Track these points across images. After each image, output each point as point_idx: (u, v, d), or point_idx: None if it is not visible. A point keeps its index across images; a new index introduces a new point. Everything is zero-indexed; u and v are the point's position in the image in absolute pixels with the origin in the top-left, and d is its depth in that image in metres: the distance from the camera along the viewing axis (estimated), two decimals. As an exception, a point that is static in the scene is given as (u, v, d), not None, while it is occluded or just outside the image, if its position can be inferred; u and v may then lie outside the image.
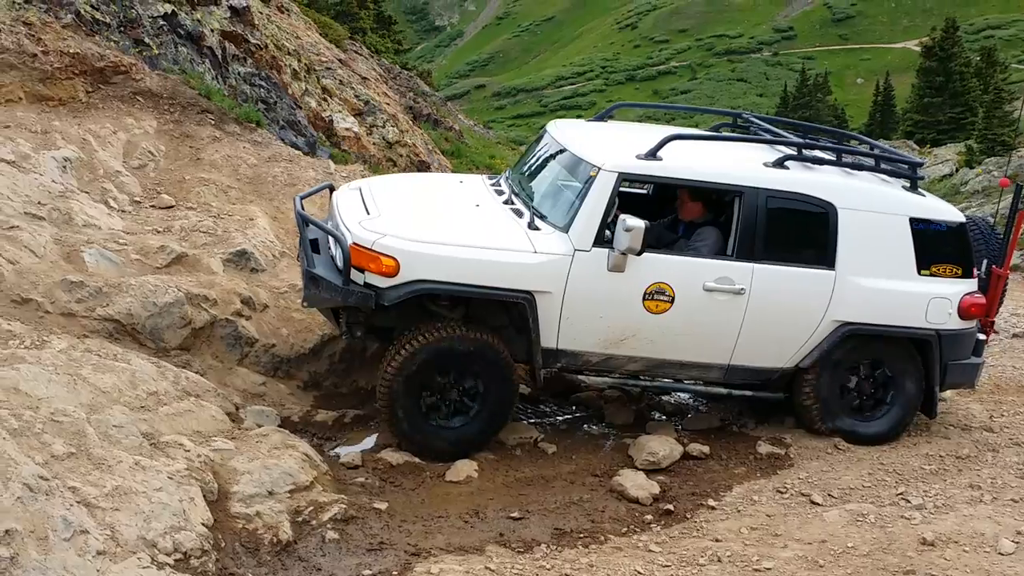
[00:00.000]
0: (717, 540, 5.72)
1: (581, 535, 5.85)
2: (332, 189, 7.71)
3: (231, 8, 13.34)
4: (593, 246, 6.41)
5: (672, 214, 7.57)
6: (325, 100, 16.65)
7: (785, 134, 7.74)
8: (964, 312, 7.05)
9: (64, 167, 8.63)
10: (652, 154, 6.64)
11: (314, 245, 6.86)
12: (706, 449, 7.04)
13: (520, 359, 6.74)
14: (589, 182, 6.54)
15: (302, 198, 7.20)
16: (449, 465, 6.55)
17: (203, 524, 4.96)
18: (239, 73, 12.91)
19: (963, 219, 7.14)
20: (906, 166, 7.31)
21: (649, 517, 6.14)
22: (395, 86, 25.92)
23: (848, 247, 6.78)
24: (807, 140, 7.57)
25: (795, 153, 6.97)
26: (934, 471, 6.77)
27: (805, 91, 78.12)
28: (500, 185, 7.55)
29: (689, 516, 6.16)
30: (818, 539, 5.71)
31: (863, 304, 6.85)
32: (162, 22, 11.72)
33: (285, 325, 7.85)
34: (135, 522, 4.62)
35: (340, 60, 20.75)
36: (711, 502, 6.33)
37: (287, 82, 14.65)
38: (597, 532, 5.91)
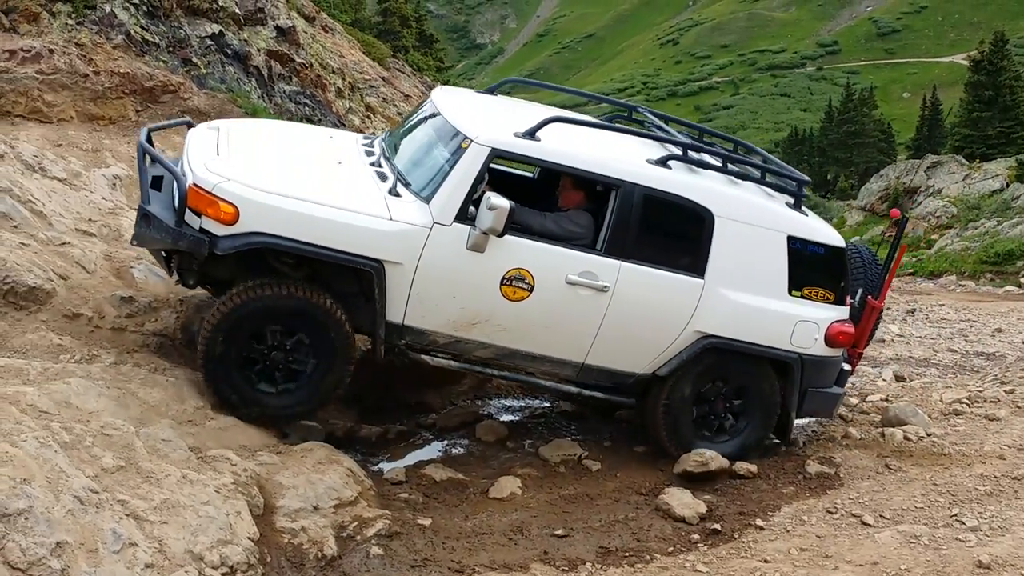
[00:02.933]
0: (765, 561, 5.62)
1: (626, 554, 5.79)
2: (191, 126, 7.20)
3: (277, 28, 13.51)
4: (454, 221, 6.05)
5: (555, 203, 7.00)
6: (368, 117, 16.79)
7: (675, 133, 7.36)
8: (831, 339, 6.85)
9: (114, 184, 8.76)
10: (531, 133, 6.27)
11: (159, 183, 6.39)
12: (753, 468, 6.93)
13: (366, 330, 6.31)
14: (459, 154, 6.19)
15: (151, 130, 6.72)
16: (492, 481, 6.53)
17: (249, 538, 4.98)
18: (284, 91, 13.06)
19: (843, 244, 6.90)
20: (792, 182, 6.92)
21: (696, 536, 6.06)
22: (438, 103, 25.99)
23: (720, 257, 6.53)
24: (697, 143, 7.26)
25: (680, 154, 6.61)
26: (989, 492, 6.60)
27: (850, 106, 77.29)
28: (372, 146, 7.13)
29: (736, 536, 6.06)
30: (870, 561, 5.59)
31: (728, 318, 6.60)
32: (210, 42, 11.89)
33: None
34: (183, 535, 4.65)
35: (383, 78, 20.95)
36: (759, 522, 6.23)
37: (331, 100, 14.79)
38: (643, 551, 5.84)
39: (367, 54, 22.07)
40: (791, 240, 6.65)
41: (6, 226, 6.87)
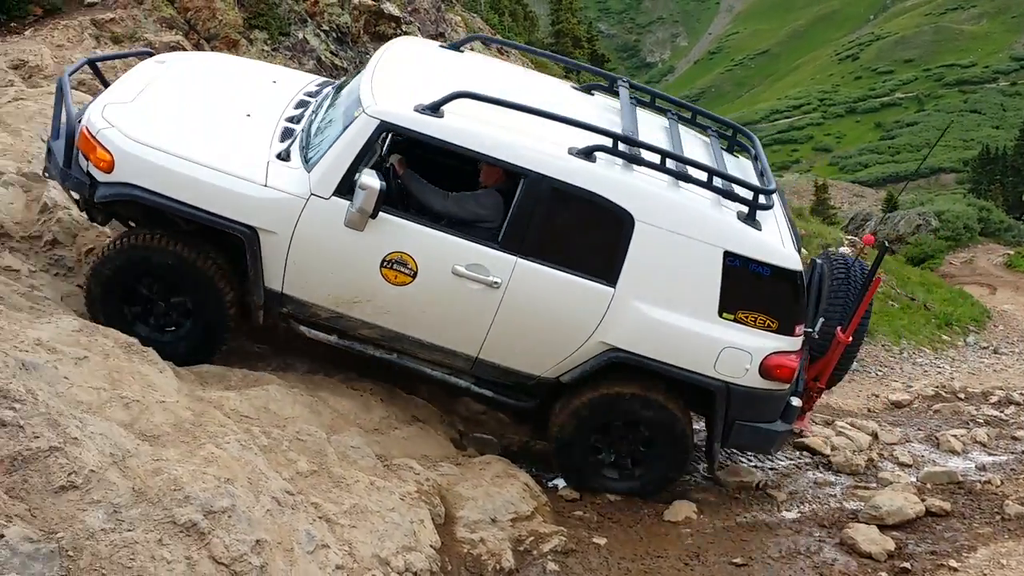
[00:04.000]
0: (960, 604, 5.34)
1: (808, 587, 5.62)
2: (150, 55, 6.97)
3: (458, 50, 13.87)
4: (333, 195, 5.63)
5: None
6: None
7: (613, 122, 6.25)
8: (767, 371, 5.96)
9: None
10: (434, 108, 5.65)
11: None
12: (947, 506, 6.59)
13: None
14: (350, 123, 5.74)
15: (92, 61, 6.62)
16: (668, 504, 6.46)
17: (431, 546, 5.12)
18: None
19: (796, 267, 5.91)
20: (747, 190, 5.96)
21: (883, 575, 5.80)
22: (609, 122, 26.04)
23: (638, 266, 5.80)
24: (631, 137, 5.96)
25: (609, 146, 5.77)
26: None
27: (1048, 123, 72.54)
28: (316, 95, 6.68)
29: (928, 577, 5.78)
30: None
31: (641, 334, 5.89)
32: (395, 64, 12.32)
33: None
34: (370, 540, 4.82)
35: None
36: (952, 563, 5.91)
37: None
38: (825, 585, 5.65)
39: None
40: (728, 256, 5.81)
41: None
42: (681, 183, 5.87)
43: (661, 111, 7.05)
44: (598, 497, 6.50)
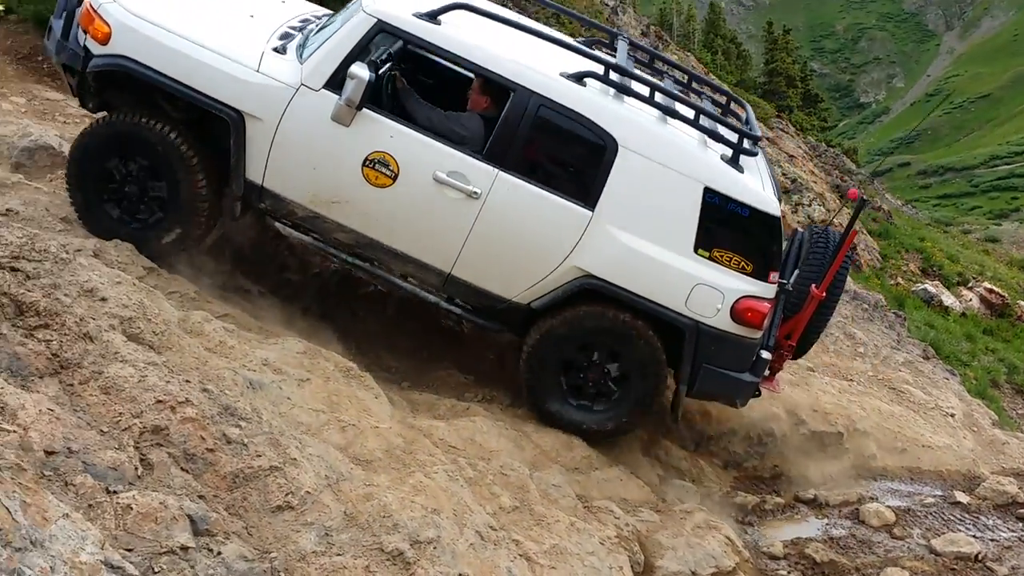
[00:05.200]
0: None
1: None
2: None
3: (669, 87, 13.79)
4: (323, 87, 5.60)
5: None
6: (751, 177, 16.61)
7: (628, 60, 6.44)
8: (737, 314, 5.80)
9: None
10: (432, 16, 5.68)
11: None
12: None
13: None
14: (348, 19, 5.79)
15: None
16: (878, 571, 6.08)
17: (630, 595, 4.98)
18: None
19: (775, 211, 5.79)
20: (733, 132, 5.92)
21: None
22: (820, 164, 25.26)
23: (617, 192, 5.71)
24: (625, 68, 5.93)
25: (600, 73, 5.73)
26: None
27: None
28: (319, 19, 6.61)
29: None
30: None
31: (614, 261, 5.76)
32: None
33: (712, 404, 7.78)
34: (569, 583, 4.74)
35: (767, 138, 20.67)
36: None
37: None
38: None
39: (751, 113, 21.91)
40: (708, 192, 5.71)
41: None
42: (669, 118, 5.85)
43: (659, 73, 7.14)
44: (803, 558, 6.19)
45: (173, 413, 3.90)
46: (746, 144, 5.90)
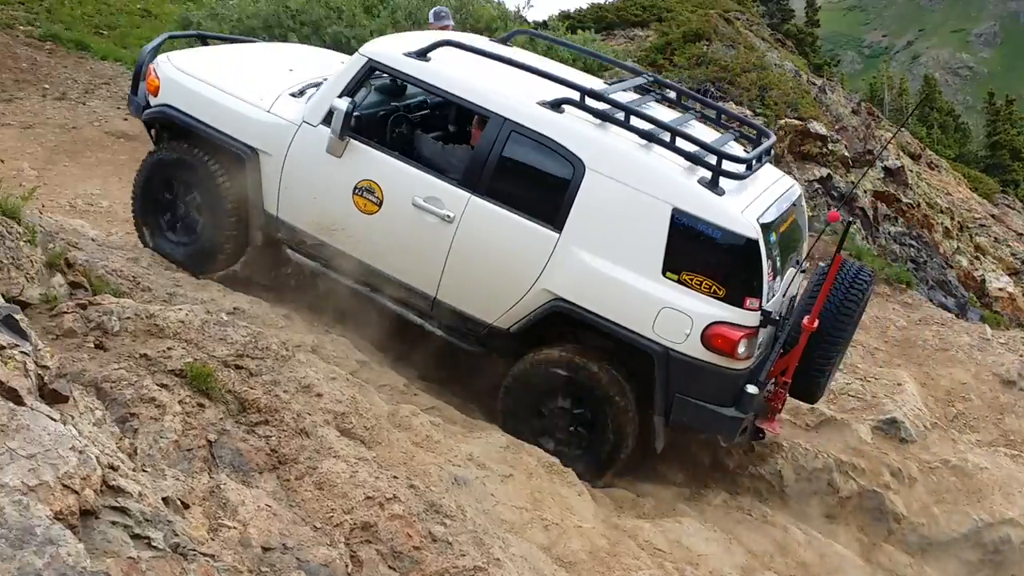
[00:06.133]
0: None
1: None
2: (203, 39, 7.92)
3: (885, 168, 13.25)
4: (321, 123, 6.10)
5: None
6: (977, 258, 15.60)
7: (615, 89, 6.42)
8: (708, 341, 5.53)
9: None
10: (421, 54, 6.11)
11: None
12: None
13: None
14: (349, 63, 6.31)
15: (171, 36, 7.87)
16: None
17: None
18: (889, 233, 12.66)
19: (752, 234, 5.52)
20: (712, 154, 5.66)
21: None
22: (1056, 242, 23.46)
23: (584, 214, 5.71)
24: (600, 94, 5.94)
25: (577, 100, 5.80)
26: None
27: None
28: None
29: None
30: None
31: (580, 283, 5.72)
32: (817, 185, 12.01)
33: (936, 503, 7.20)
34: None
35: (992, 215, 19.45)
36: None
37: (937, 240, 14.02)
38: None
39: (974, 190, 20.74)
40: (677, 213, 5.57)
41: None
42: (651, 143, 5.77)
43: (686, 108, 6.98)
44: None
45: (382, 510, 3.96)
46: (728, 167, 5.66)
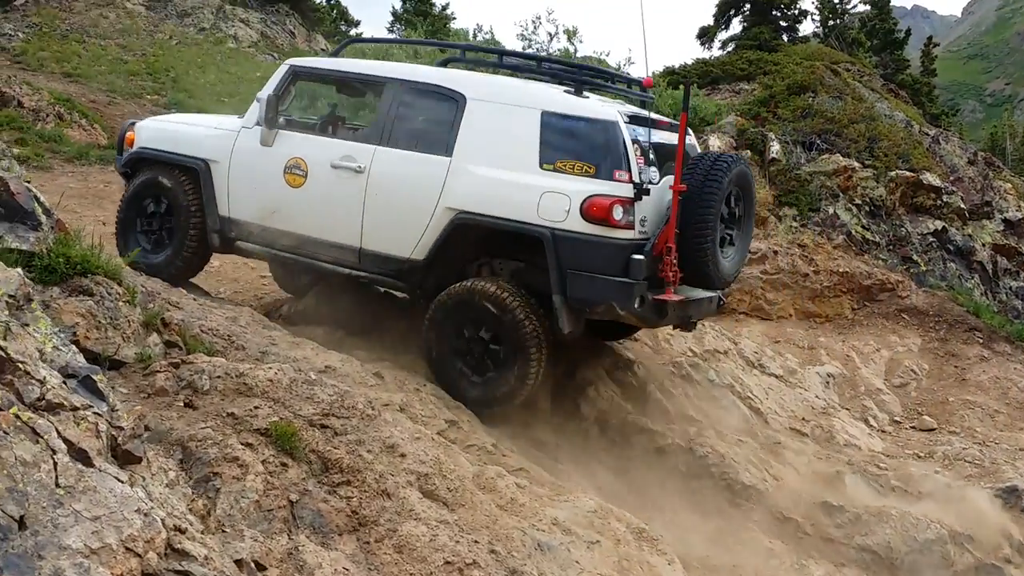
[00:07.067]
0: None
1: None
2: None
3: (1004, 220, 12.68)
4: (256, 124, 7.20)
5: None
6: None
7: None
8: (586, 212, 6.17)
9: (827, 383, 8.78)
10: (334, 54, 8.01)
11: None
12: None
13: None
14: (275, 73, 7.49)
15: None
16: None
17: None
18: (1011, 288, 12.07)
19: (610, 117, 6.36)
20: (573, 72, 7.08)
21: None
22: None
23: (469, 136, 6.62)
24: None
25: (459, 56, 7.61)
26: None
27: None
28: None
29: None
30: None
31: (472, 192, 6.49)
32: (931, 238, 11.58)
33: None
34: None
35: None
36: None
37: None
38: None
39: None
40: (545, 115, 6.48)
41: (727, 422, 7.21)
42: (519, 75, 7.27)
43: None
44: None
45: (461, 575, 3.90)
46: (587, 77, 6.97)
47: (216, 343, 5.24)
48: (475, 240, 6.62)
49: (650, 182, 6.35)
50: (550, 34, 20.55)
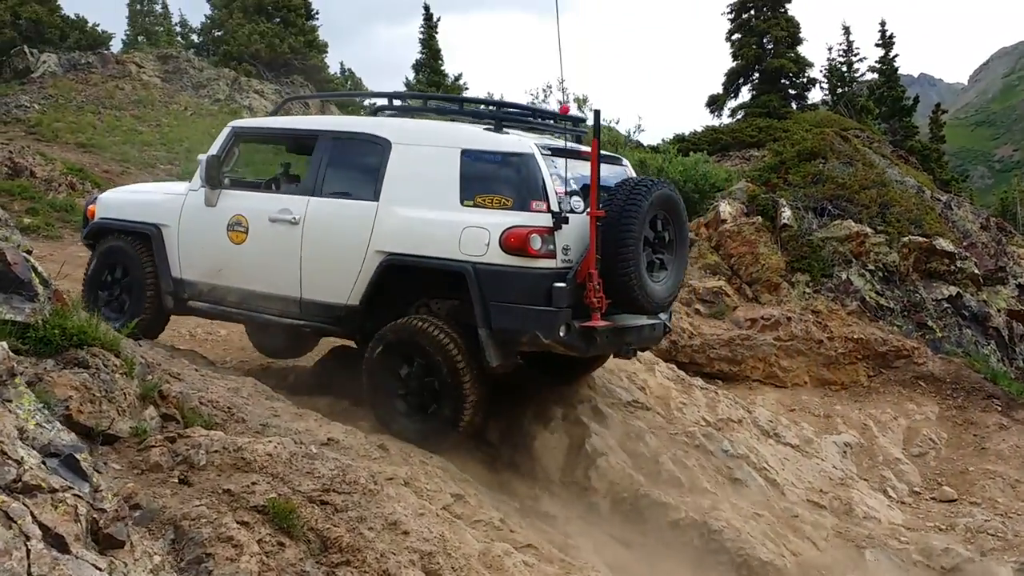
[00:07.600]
0: None
1: None
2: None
3: (1019, 286, 12.53)
4: (202, 186, 7.42)
5: None
6: None
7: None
8: (505, 244, 6.19)
9: (844, 452, 8.57)
10: (273, 112, 8.45)
11: None
12: None
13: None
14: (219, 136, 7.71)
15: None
16: None
17: None
18: (1029, 354, 11.87)
19: (524, 150, 6.42)
20: (491, 109, 7.42)
21: None
22: None
23: (394, 179, 6.74)
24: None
25: (388, 104, 7.73)
26: None
27: None
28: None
29: None
30: None
31: (398, 233, 6.59)
32: (946, 304, 11.43)
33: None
34: None
35: None
36: None
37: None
38: None
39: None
40: (465, 153, 6.58)
41: (743, 494, 7.01)
42: (441, 119, 7.45)
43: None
44: None
45: (463, 661, 3.72)
46: (509, 118, 7.05)
47: (215, 416, 5.11)
48: (410, 281, 6.69)
49: (571, 211, 6.38)
50: (560, 102, 20.72)
